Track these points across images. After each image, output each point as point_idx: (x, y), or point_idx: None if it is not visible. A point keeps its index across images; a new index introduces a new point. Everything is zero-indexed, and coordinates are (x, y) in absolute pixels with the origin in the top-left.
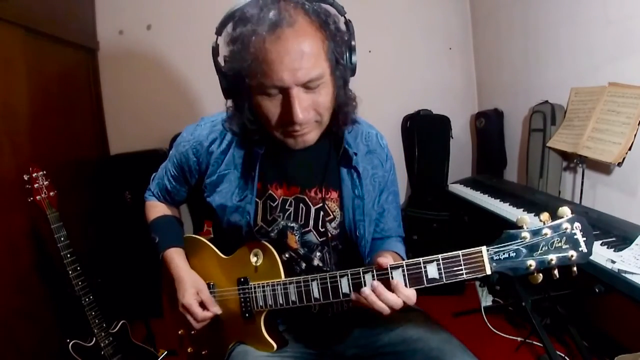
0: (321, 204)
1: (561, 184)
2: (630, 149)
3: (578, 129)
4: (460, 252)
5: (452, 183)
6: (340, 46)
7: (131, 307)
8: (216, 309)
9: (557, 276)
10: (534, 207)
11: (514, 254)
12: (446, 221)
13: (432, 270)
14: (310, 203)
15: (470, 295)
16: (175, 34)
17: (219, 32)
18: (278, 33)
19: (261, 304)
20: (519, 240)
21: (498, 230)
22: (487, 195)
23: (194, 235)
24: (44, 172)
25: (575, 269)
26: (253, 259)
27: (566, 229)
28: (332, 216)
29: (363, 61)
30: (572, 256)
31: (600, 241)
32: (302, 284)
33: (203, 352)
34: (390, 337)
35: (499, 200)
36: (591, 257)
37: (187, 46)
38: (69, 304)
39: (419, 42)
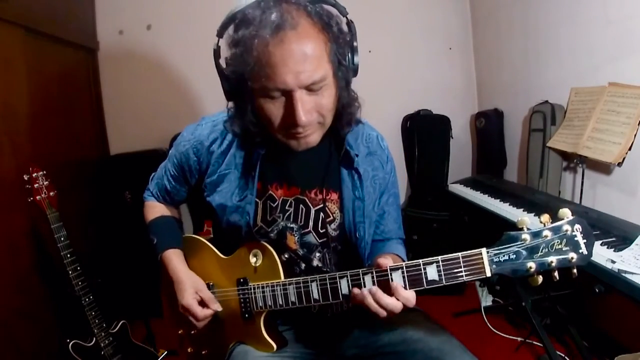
0: (321, 205)
1: (561, 184)
2: (630, 149)
3: (578, 129)
4: (460, 254)
5: (452, 183)
6: (342, 47)
7: (131, 307)
8: (216, 306)
9: (557, 278)
10: (534, 207)
11: (514, 255)
12: (446, 221)
13: (431, 272)
14: (310, 204)
15: (470, 295)
16: (175, 34)
17: (220, 34)
18: (281, 36)
19: (261, 304)
20: (519, 242)
21: (498, 230)
22: (487, 195)
23: (193, 235)
24: (44, 172)
25: (575, 270)
26: (252, 260)
27: (567, 231)
28: (332, 217)
29: (363, 61)
30: (572, 258)
31: (600, 241)
32: (301, 285)
33: (203, 352)
34: (390, 337)
35: (499, 200)
36: (591, 257)
37: (187, 46)
38: (69, 304)
39: (419, 42)
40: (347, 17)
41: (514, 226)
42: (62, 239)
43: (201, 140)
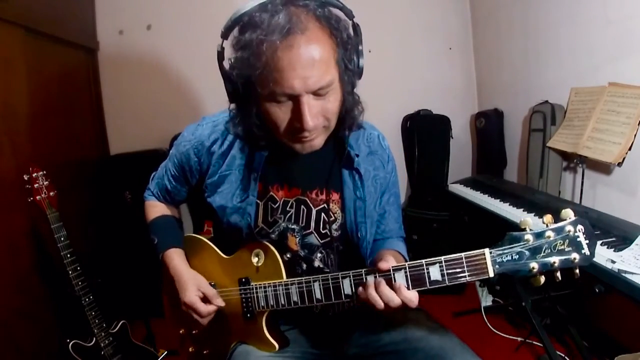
0: (322, 206)
1: (561, 184)
2: (630, 149)
3: (578, 129)
4: (463, 255)
5: (452, 183)
6: (349, 52)
7: (131, 307)
8: (219, 302)
9: (560, 278)
10: (534, 207)
11: (517, 256)
12: (446, 221)
13: (434, 272)
14: (311, 205)
15: (470, 295)
16: (175, 34)
17: (225, 35)
18: (290, 40)
19: (263, 304)
20: (522, 243)
21: (498, 230)
22: (487, 195)
23: (194, 235)
24: (44, 172)
25: (577, 271)
26: (254, 259)
27: (569, 231)
28: (333, 218)
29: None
30: (574, 259)
31: (600, 241)
32: (303, 284)
33: (204, 352)
34: (392, 336)
35: (499, 200)
36: (594, 258)
37: (187, 46)
38: (69, 304)
39: (419, 42)
40: (353, 21)
41: (514, 226)
42: (62, 239)
43: (202, 140)
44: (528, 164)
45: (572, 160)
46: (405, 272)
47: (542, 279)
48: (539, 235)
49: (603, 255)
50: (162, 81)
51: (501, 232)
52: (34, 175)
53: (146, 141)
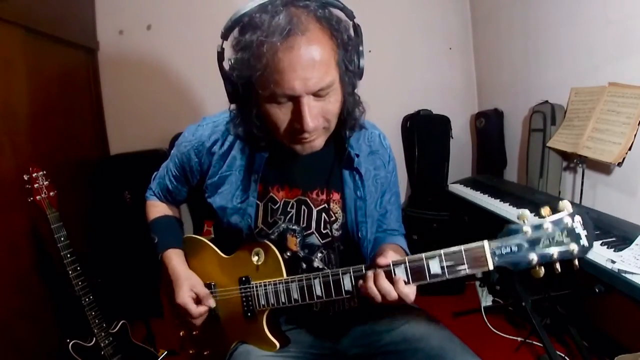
0: (323, 206)
1: (561, 184)
2: (630, 149)
3: (578, 129)
4: (462, 247)
5: (452, 183)
6: (350, 53)
7: (131, 307)
8: (210, 302)
9: (559, 270)
10: (534, 207)
11: (516, 248)
12: (446, 221)
13: (434, 266)
14: (312, 205)
15: (470, 295)
16: (175, 34)
17: (225, 36)
18: (290, 41)
19: (263, 302)
20: (520, 235)
21: (498, 230)
22: (487, 195)
23: (194, 236)
24: (44, 172)
25: (577, 262)
26: (254, 258)
27: (567, 222)
28: (334, 218)
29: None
30: (573, 250)
31: (600, 241)
32: (304, 281)
33: (205, 353)
34: (392, 336)
35: (499, 200)
36: (591, 257)
37: (187, 46)
38: (69, 304)
39: (419, 42)
40: (354, 21)
41: (515, 223)
42: (62, 239)
43: (202, 141)
44: (528, 164)
45: (572, 160)
46: (405, 266)
47: (542, 270)
48: (537, 227)
49: (603, 255)
50: (162, 81)
51: (501, 231)
52: (34, 175)
53: (146, 141)
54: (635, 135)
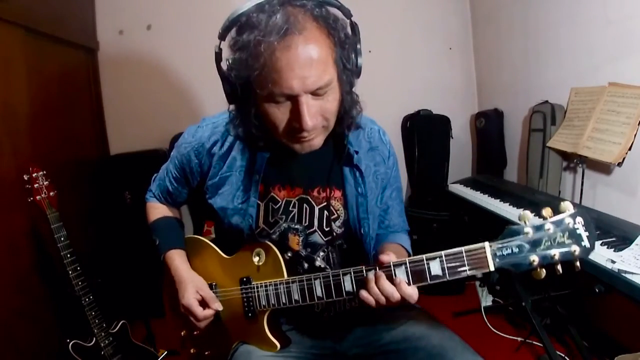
0: (325, 203)
1: (561, 184)
2: (630, 149)
3: (578, 129)
4: (463, 248)
5: (452, 183)
6: (347, 51)
7: (131, 307)
8: (217, 305)
9: (561, 271)
10: (534, 207)
11: (517, 249)
12: (446, 221)
13: (435, 267)
14: (314, 203)
15: (470, 295)
16: (175, 34)
17: (222, 36)
18: (288, 40)
19: (264, 303)
20: (521, 236)
21: (498, 230)
22: (487, 195)
23: (195, 236)
24: (44, 172)
25: (578, 264)
26: (255, 259)
27: (569, 224)
28: (336, 215)
29: (363, 61)
30: (575, 251)
31: (601, 241)
32: (304, 282)
33: (206, 353)
34: (393, 335)
35: (499, 200)
36: (591, 257)
37: (187, 46)
38: (69, 304)
39: (419, 42)
40: (351, 20)
41: (513, 225)
42: (62, 239)
43: (202, 142)
44: (528, 164)
45: (572, 160)
46: (406, 267)
47: (543, 272)
48: (538, 228)
49: (603, 255)
50: (162, 81)
51: (501, 232)
52: (34, 175)
53: (146, 141)
54: (635, 135)
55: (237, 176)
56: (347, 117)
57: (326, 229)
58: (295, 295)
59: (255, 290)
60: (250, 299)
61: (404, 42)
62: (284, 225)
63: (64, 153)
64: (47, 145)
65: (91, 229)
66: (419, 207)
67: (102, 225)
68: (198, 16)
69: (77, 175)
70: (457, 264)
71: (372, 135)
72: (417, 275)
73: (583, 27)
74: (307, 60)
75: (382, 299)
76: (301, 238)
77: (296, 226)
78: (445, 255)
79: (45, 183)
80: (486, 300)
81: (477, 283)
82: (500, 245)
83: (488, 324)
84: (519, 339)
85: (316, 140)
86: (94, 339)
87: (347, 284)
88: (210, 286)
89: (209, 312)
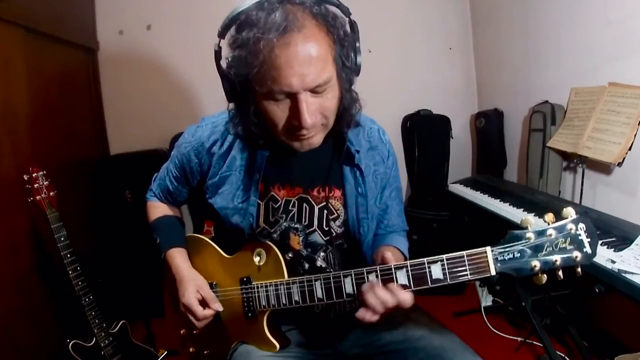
0: (324, 203)
1: (561, 184)
2: (630, 149)
3: (578, 129)
4: (464, 253)
5: (452, 183)
6: (346, 49)
7: (131, 307)
8: (217, 306)
9: (562, 277)
10: (534, 207)
11: (519, 254)
12: (446, 221)
13: (436, 271)
14: (313, 202)
15: (470, 295)
16: (175, 34)
17: (221, 35)
18: (287, 38)
19: (264, 303)
20: (523, 241)
21: (498, 230)
22: (487, 195)
23: (196, 235)
24: (44, 172)
25: (579, 269)
26: (256, 259)
27: (571, 229)
28: (336, 214)
29: (363, 61)
30: (576, 257)
31: (601, 241)
32: (305, 284)
33: (205, 352)
34: (393, 335)
35: (499, 200)
36: (595, 256)
37: (187, 46)
38: (69, 304)
39: (419, 42)
40: (350, 18)
41: (514, 226)
42: (62, 239)
43: (202, 141)
44: (528, 164)
45: (572, 160)
46: (407, 271)
47: (544, 277)
48: (540, 233)
49: (603, 255)
50: (162, 81)
51: (501, 232)
52: (34, 175)
53: (146, 141)
54: (635, 135)
55: (237, 175)
56: (346, 114)
57: (326, 229)
58: (296, 296)
59: (256, 290)
60: (250, 299)
61: (403, 42)
62: (284, 224)
63: (64, 153)
64: (47, 145)
65: (91, 229)
66: (418, 207)
67: (102, 225)
68: (198, 16)
69: (77, 175)
70: (459, 268)
71: (372, 135)
72: (418, 278)
73: (583, 27)
74: (306, 57)
75: (379, 306)
76: (301, 237)
77: (296, 225)
78: (447, 259)
79: (45, 183)
80: (486, 300)
81: (477, 283)
82: (501, 250)
83: (488, 324)
84: (519, 339)
85: (315, 138)
86: (94, 339)
87: (348, 286)
88: (211, 285)
89: (208, 312)
